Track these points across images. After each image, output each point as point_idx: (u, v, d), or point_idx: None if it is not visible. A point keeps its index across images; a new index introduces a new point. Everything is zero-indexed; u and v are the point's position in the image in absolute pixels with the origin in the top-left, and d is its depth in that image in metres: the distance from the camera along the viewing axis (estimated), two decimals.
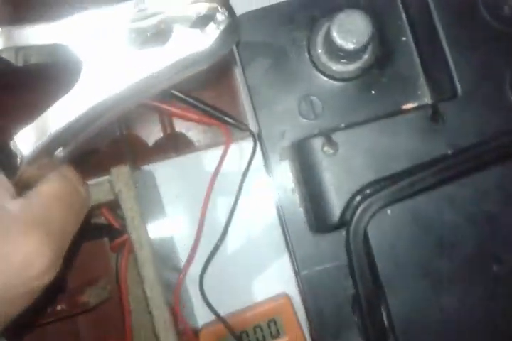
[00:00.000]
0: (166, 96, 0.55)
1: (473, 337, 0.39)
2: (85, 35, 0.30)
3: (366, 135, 0.40)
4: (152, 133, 0.60)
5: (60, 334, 0.56)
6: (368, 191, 0.39)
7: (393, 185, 0.39)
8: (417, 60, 0.42)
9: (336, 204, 0.40)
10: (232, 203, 0.55)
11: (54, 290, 0.52)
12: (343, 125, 0.41)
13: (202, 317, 0.56)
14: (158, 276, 0.46)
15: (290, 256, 0.44)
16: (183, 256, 0.55)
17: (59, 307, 0.52)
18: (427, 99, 0.42)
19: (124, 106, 0.31)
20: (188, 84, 0.54)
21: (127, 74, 0.29)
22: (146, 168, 0.57)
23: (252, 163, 0.55)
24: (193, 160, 0.58)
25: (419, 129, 0.40)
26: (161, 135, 0.59)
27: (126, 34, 0.30)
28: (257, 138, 0.54)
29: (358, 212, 0.39)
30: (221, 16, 0.29)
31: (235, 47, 0.43)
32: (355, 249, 0.39)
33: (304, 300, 0.42)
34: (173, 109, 0.56)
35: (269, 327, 0.54)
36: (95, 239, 0.56)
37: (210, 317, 0.55)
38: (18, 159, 0.29)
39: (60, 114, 0.29)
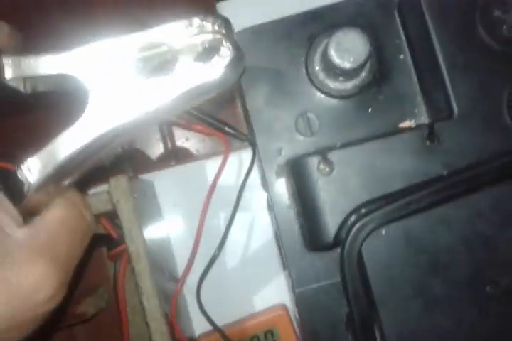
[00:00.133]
0: None
1: None
2: (92, 65, 0.30)
3: (362, 154, 0.40)
4: (152, 143, 0.60)
5: None
6: (362, 211, 0.39)
7: (388, 205, 0.39)
8: (415, 79, 0.42)
9: (330, 224, 0.39)
10: (230, 213, 0.55)
11: None
12: (338, 144, 0.41)
13: (199, 327, 0.56)
14: (156, 288, 0.46)
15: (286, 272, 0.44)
16: (180, 266, 0.55)
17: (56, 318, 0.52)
18: (424, 118, 0.41)
19: (132, 134, 0.31)
20: None
21: (135, 103, 0.30)
22: (146, 177, 0.57)
23: (251, 172, 0.55)
24: (192, 169, 0.58)
25: (415, 149, 0.39)
26: (161, 144, 0.60)
27: (133, 63, 0.30)
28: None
29: (353, 231, 0.38)
30: (226, 51, 0.29)
31: None
32: (349, 269, 0.39)
33: (299, 318, 0.42)
34: (173, 119, 0.56)
35: (266, 337, 0.54)
36: (93, 248, 0.56)
37: (207, 327, 0.54)
38: (25, 187, 0.30)
39: (67, 144, 0.30)
